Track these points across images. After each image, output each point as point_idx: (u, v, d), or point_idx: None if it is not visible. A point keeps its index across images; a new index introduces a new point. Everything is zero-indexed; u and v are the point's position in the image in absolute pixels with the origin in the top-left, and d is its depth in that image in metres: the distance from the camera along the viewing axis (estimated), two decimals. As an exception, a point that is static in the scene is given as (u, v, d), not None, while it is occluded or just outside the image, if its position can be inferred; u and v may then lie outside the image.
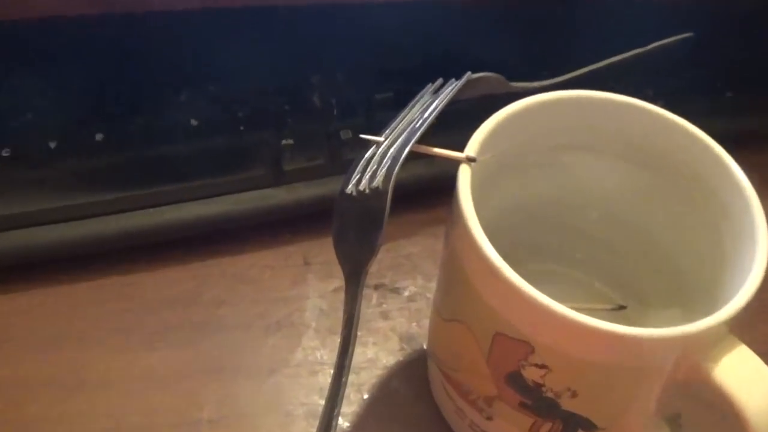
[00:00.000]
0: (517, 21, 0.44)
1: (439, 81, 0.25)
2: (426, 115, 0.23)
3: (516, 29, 0.43)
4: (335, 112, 0.39)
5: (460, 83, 0.24)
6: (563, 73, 0.32)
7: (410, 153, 0.22)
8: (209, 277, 0.35)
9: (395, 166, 0.21)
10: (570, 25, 0.44)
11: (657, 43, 0.35)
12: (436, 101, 0.24)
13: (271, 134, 0.38)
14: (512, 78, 0.28)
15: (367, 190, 0.21)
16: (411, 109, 0.24)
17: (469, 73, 0.25)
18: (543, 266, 0.30)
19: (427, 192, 0.35)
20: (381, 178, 0.21)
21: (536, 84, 0.29)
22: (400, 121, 0.23)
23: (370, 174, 0.22)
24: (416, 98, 0.25)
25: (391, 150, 0.22)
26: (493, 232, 0.20)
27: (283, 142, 0.37)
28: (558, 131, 0.25)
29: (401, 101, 0.26)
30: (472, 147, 0.22)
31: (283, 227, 0.37)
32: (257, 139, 0.37)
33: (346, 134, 0.37)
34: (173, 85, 0.39)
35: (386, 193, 0.21)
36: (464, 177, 0.21)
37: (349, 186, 0.22)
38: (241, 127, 0.38)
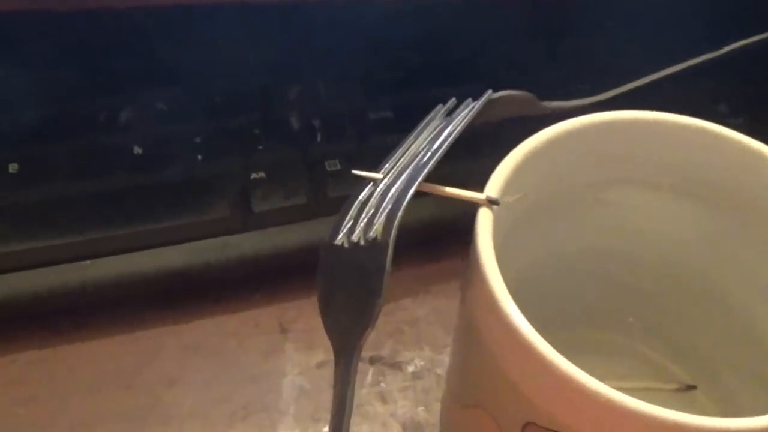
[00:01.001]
0: (548, 23, 0.44)
1: (452, 102, 0.26)
2: (436, 146, 0.24)
3: (546, 33, 0.43)
4: (319, 137, 0.40)
5: (478, 105, 0.25)
6: (608, 89, 0.33)
7: (416, 193, 0.23)
8: (157, 350, 0.35)
9: (398, 211, 0.22)
10: (615, 25, 0.44)
11: (734, 44, 0.36)
12: (449, 128, 0.24)
13: (237, 165, 0.38)
14: (543, 96, 0.29)
15: (363, 242, 0.22)
16: (417, 138, 0.25)
17: (489, 91, 0.26)
18: (586, 334, 0.30)
19: (436, 239, 0.36)
20: (380, 227, 0.22)
21: (574, 103, 0.30)
22: (404, 153, 0.24)
23: (365, 221, 0.22)
24: (423, 123, 0.26)
25: (393, 190, 0.23)
26: (522, 291, 0.21)
27: (253, 175, 0.38)
28: (603, 163, 0.26)
29: (402, 122, 0.27)
30: (495, 186, 0.23)
31: (253, 285, 0.38)
32: (219, 171, 0.38)
33: (332, 165, 0.38)
34: (110, 101, 0.40)
35: (386, 246, 0.21)
36: (484, 223, 0.22)
37: (339, 236, 0.22)
38: (199, 156, 0.38)
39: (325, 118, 0.39)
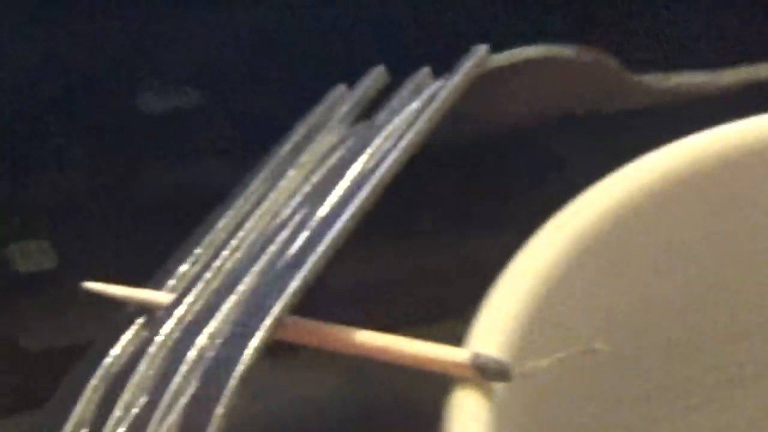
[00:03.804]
0: None
1: (377, 74, 0.25)
2: (334, 199, 0.23)
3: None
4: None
5: (452, 83, 0.23)
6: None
7: (273, 346, 0.22)
8: None
9: (216, 401, 0.20)
10: None
11: None
12: (380, 136, 0.23)
13: None
14: (630, 60, 0.26)
15: None
16: (276, 176, 0.24)
17: (482, 47, 0.24)
18: None
19: None
20: None
21: (704, 79, 0.28)
22: (239, 225, 0.24)
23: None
24: (294, 135, 0.24)
25: (201, 339, 0.21)
26: None
27: None
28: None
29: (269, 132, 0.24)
30: (499, 324, 0.22)
31: None
32: None
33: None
34: None
35: None
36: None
37: None
38: None
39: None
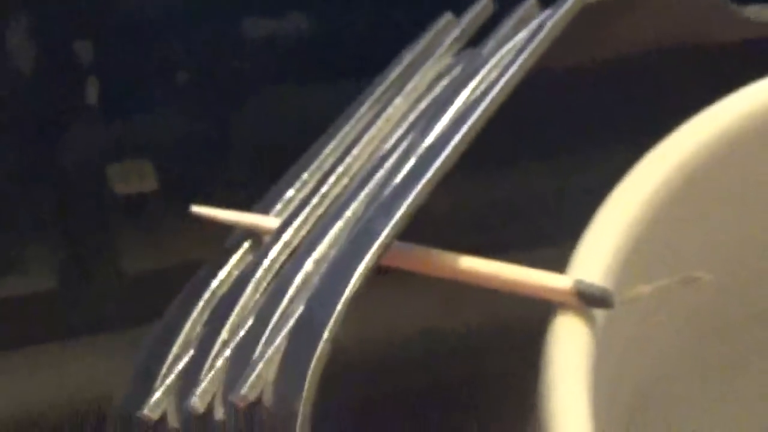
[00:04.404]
0: None
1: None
2: (432, 136, 0.23)
3: None
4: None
5: (568, 4, 0.24)
6: None
7: (379, 270, 0.22)
8: None
9: (325, 324, 0.20)
10: None
11: None
12: (470, 88, 0.23)
13: None
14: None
15: (222, 413, 0.21)
16: (375, 115, 0.24)
17: None
18: None
19: (442, 400, 0.33)
20: (270, 367, 0.20)
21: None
22: (339, 161, 0.23)
23: (233, 350, 0.21)
24: (390, 74, 0.24)
25: (308, 264, 0.22)
26: None
27: None
28: None
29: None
30: (599, 255, 0.22)
31: None
32: None
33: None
34: None
35: (293, 417, 0.20)
36: (571, 363, 0.20)
37: (156, 396, 0.21)
38: None
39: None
